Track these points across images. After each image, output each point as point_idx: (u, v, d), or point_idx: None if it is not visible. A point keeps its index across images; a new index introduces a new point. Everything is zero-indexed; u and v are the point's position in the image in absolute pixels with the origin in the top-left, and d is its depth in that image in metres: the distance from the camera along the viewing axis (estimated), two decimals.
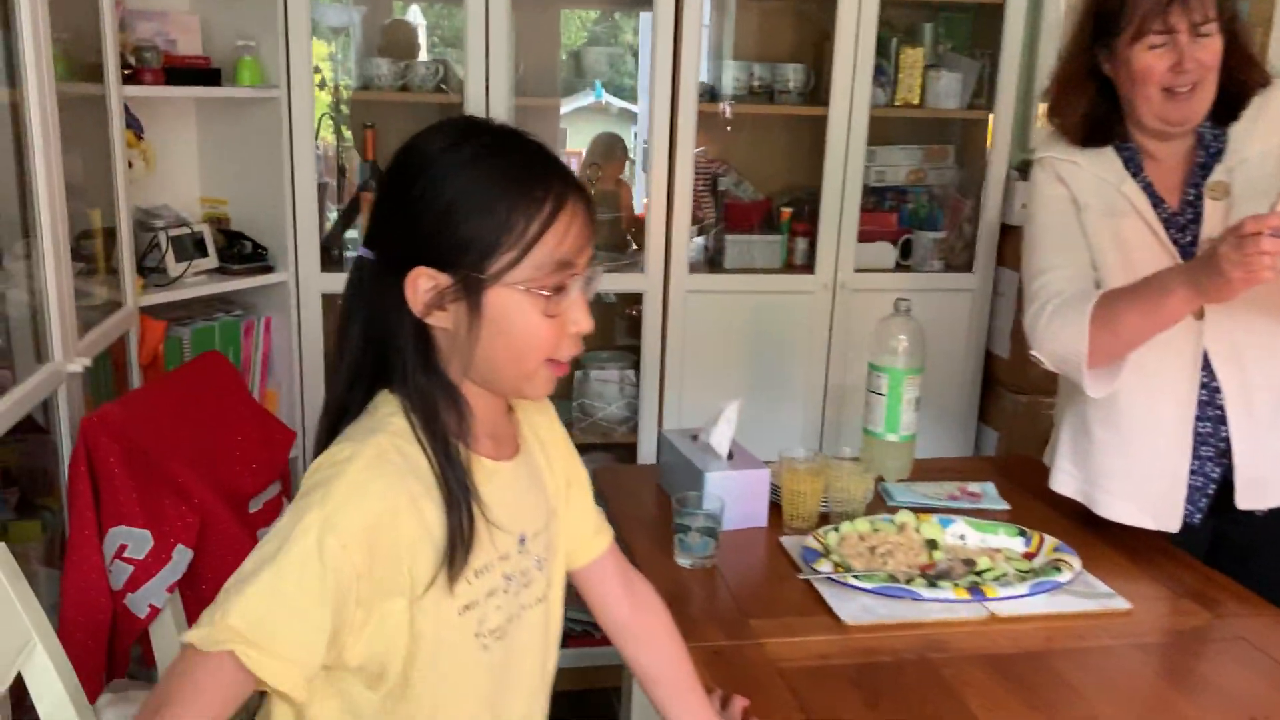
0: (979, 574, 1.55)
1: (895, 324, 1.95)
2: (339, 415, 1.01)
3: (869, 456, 1.95)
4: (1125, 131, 1.69)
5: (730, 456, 1.77)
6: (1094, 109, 1.69)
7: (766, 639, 1.38)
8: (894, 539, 1.62)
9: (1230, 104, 1.62)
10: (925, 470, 2.01)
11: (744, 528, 1.71)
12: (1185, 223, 1.65)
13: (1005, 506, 1.87)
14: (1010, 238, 2.77)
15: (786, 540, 1.67)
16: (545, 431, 1.17)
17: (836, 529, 1.64)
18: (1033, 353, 1.68)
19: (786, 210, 2.87)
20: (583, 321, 0.99)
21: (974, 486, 1.94)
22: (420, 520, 0.94)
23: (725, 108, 2.78)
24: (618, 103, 3.03)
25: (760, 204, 2.94)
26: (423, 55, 2.83)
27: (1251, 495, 1.65)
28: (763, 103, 2.82)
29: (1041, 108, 3.01)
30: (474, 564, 0.98)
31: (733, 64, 2.82)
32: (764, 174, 3.01)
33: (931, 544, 1.63)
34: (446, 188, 0.94)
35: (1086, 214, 1.68)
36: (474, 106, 2.50)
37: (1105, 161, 1.69)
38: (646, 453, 2.73)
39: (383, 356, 0.99)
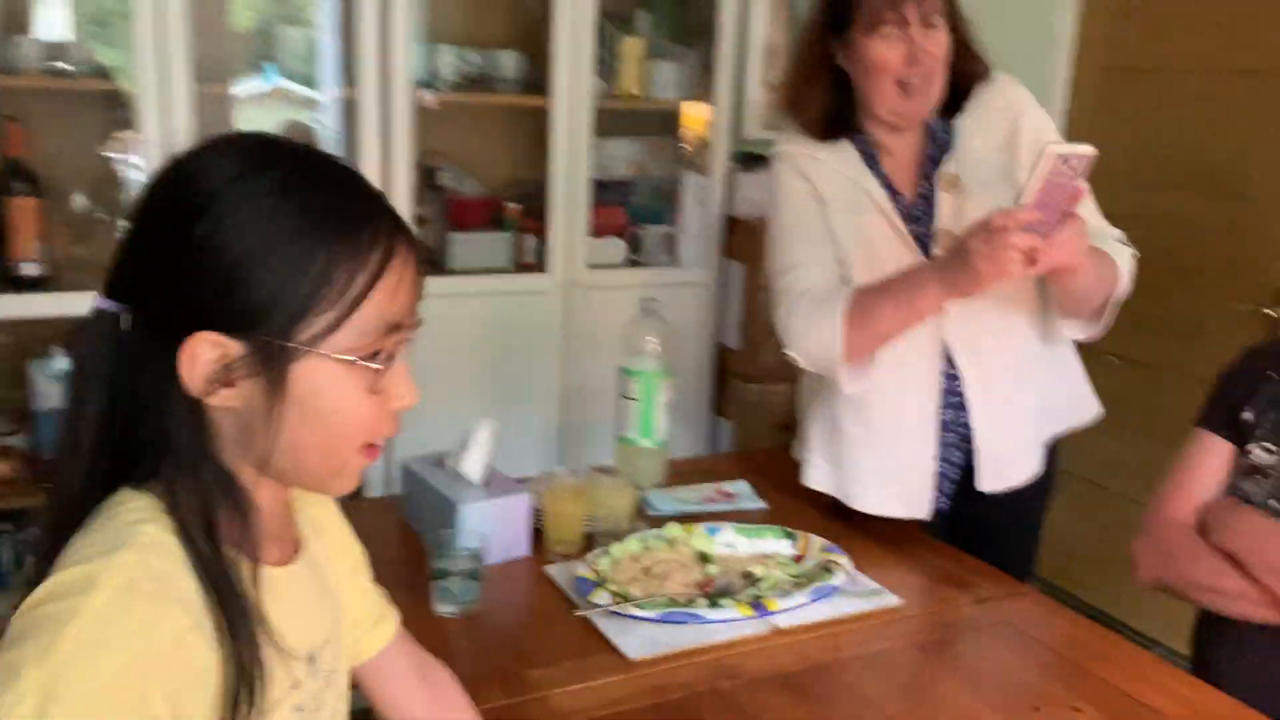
0: (757, 584, 1.50)
1: (645, 325, 1.86)
2: (67, 523, 0.75)
3: (625, 465, 1.86)
4: (860, 125, 1.69)
5: (486, 482, 1.61)
6: (831, 102, 1.68)
7: (550, 690, 1.25)
8: (667, 556, 1.53)
9: (955, 96, 1.66)
10: (678, 473, 1.95)
11: (504, 560, 1.57)
12: (921, 215, 1.67)
13: (762, 505, 1.84)
14: (737, 230, 2.79)
15: (553, 570, 1.54)
16: (319, 512, 0.96)
17: (607, 552, 1.53)
18: (787, 352, 1.65)
19: (513, 206, 2.73)
20: (408, 395, 0.80)
21: (729, 486, 1.91)
22: (188, 667, 0.71)
23: (429, 96, 2.57)
24: (300, 89, 2.74)
25: (485, 200, 2.78)
26: (70, 34, 2.42)
27: (992, 478, 1.70)
28: (480, 92, 2.66)
29: (755, 97, 3.06)
30: (260, 704, 0.75)
31: (446, 50, 2.64)
32: (487, 168, 2.85)
33: (703, 557, 1.56)
34: (243, 231, 0.72)
35: (830, 209, 1.67)
36: (150, 98, 2.17)
37: (844, 156, 1.68)
38: (381, 481, 2.51)
39: (134, 443, 0.76)
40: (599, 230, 2.74)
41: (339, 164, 0.79)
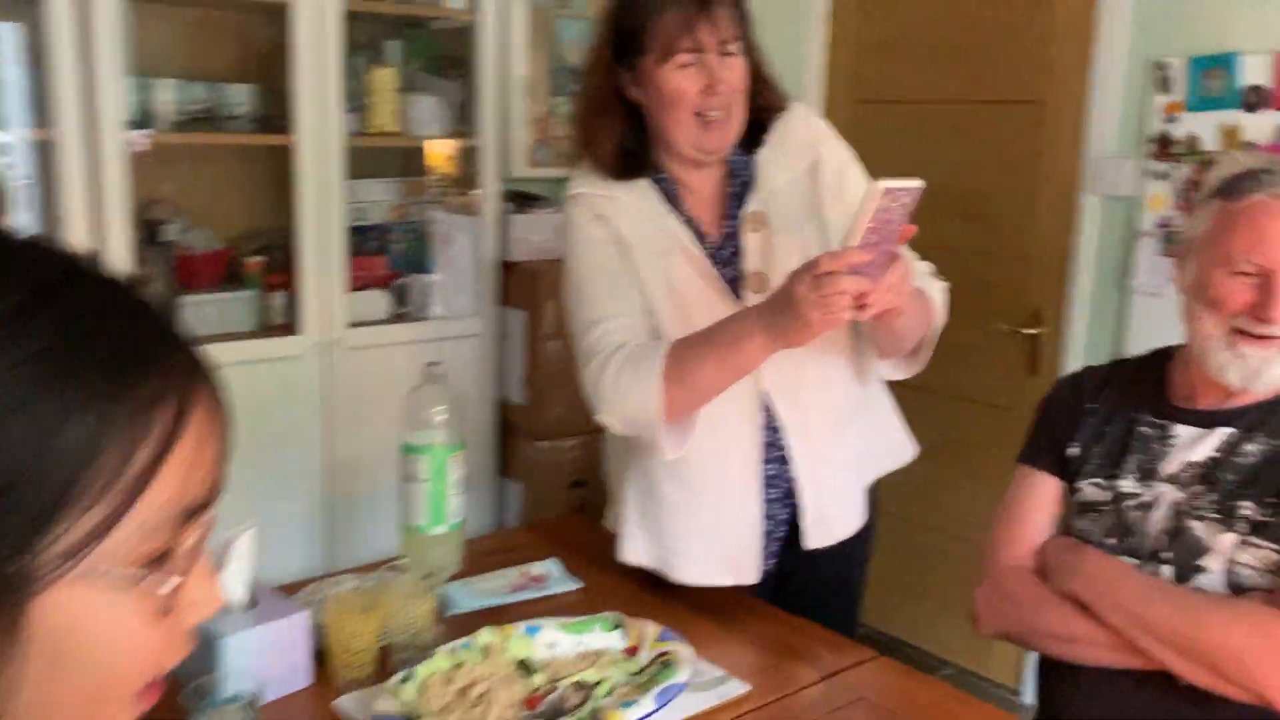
0: (592, 693, 1.29)
1: (429, 394, 1.62)
2: None
3: (417, 558, 1.61)
4: (658, 161, 1.54)
5: (252, 603, 1.32)
6: (625, 138, 1.52)
7: None
8: (483, 671, 1.30)
9: (754, 129, 1.54)
10: (475, 555, 1.71)
11: (280, 696, 1.28)
12: (728, 256, 1.55)
13: (578, 584, 1.65)
14: (513, 275, 2.59)
15: (346, 704, 1.27)
16: None
17: (411, 674, 1.28)
18: (600, 417, 1.47)
19: (255, 260, 2.40)
20: (210, 601, 0.54)
21: (537, 568, 1.70)
22: None
23: (140, 136, 2.20)
24: None
25: (220, 254, 2.44)
26: None
27: (819, 535, 1.59)
28: (208, 130, 2.33)
29: (521, 133, 2.88)
30: None
31: (164, 84, 2.29)
32: (221, 218, 2.50)
33: (525, 665, 1.33)
34: None
35: (634, 254, 1.51)
36: None
37: (644, 195, 1.53)
38: None
39: None
40: (359, 283, 2.45)
41: (109, 283, 0.51)
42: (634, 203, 1.52)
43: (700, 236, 1.53)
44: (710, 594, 1.58)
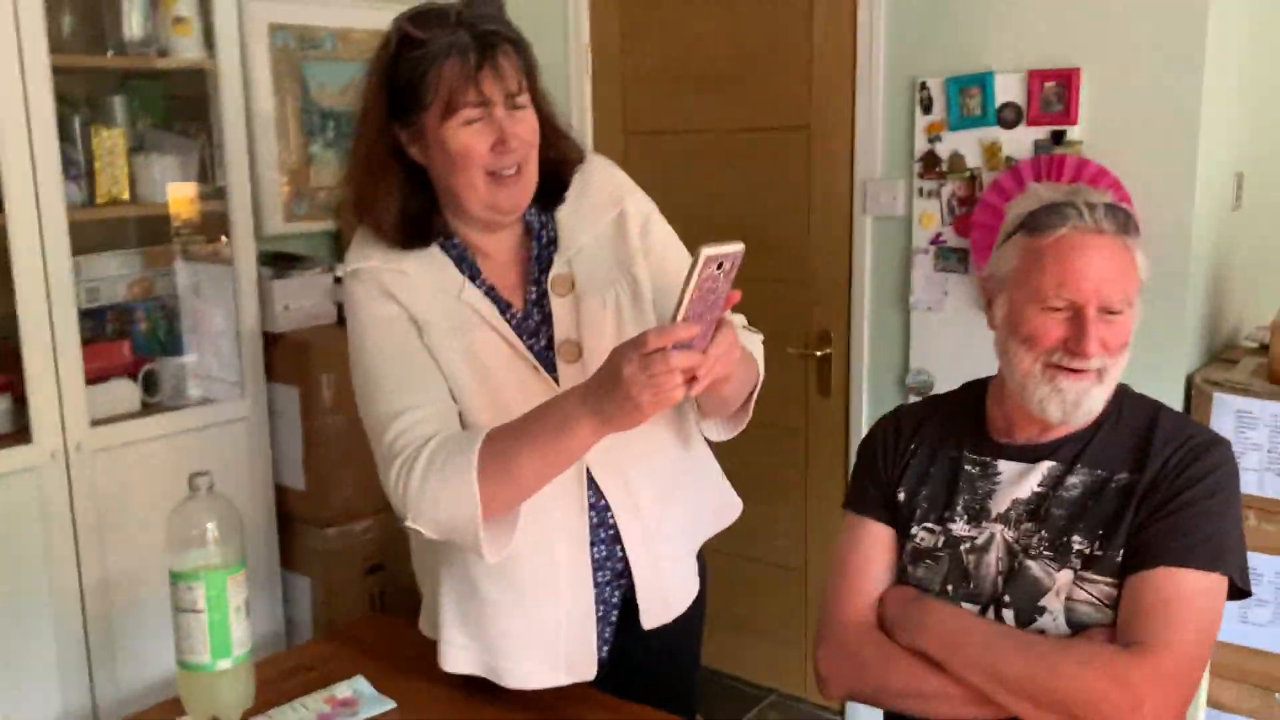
0: None
1: (197, 509, 1.39)
2: None
3: (198, 700, 1.39)
4: (448, 226, 1.39)
5: None
6: (408, 202, 1.37)
7: None
8: None
9: (550, 185, 1.43)
10: (270, 683, 1.50)
11: None
12: (536, 326, 1.42)
13: (389, 705, 1.47)
14: (279, 348, 2.35)
15: None
16: None
17: None
18: (411, 524, 1.30)
19: None
20: None
21: (344, 689, 1.52)
22: None
23: None
24: None
25: None
26: None
27: (656, 614, 1.50)
28: None
29: (273, 186, 2.64)
30: None
31: None
32: None
33: None
34: None
35: (431, 333, 1.36)
36: None
37: (436, 265, 1.38)
38: None
39: None
40: (98, 374, 2.15)
41: None
42: (425, 274, 1.37)
43: (503, 306, 1.40)
44: (544, 693, 1.44)
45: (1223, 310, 2.52)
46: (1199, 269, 2.30)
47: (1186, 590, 1.22)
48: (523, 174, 1.35)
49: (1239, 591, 1.26)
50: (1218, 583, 1.23)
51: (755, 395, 1.45)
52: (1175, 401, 2.25)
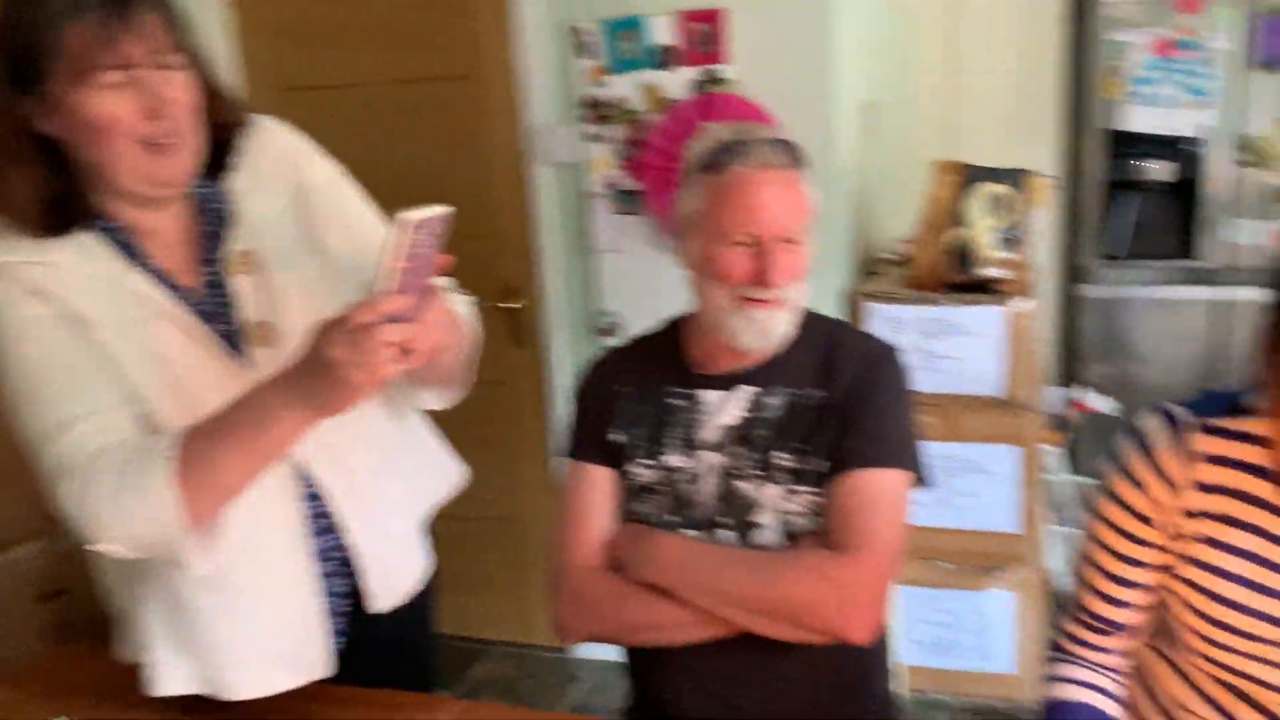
0: None
1: None
2: None
3: None
4: (100, 207, 1.24)
5: None
6: (47, 184, 1.20)
7: None
8: None
9: (215, 153, 1.30)
10: None
11: None
12: (217, 308, 1.30)
13: None
14: None
15: None
16: None
17: None
18: (99, 546, 1.17)
19: None
20: None
21: None
22: None
23: None
24: None
25: None
26: None
27: (386, 596, 1.44)
28: None
29: None
30: None
31: None
32: None
33: None
34: None
35: (97, 331, 1.20)
36: None
37: (91, 253, 1.23)
38: None
39: None
40: None
41: None
42: (80, 265, 1.20)
43: (176, 290, 1.26)
44: (274, 698, 1.36)
45: (865, 228, 2.77)
46: (841, 191, 2.50)
47: (879, 490, 1.34)
48: (183, 141, 1.21)
49: (920, 482, 1.40)
50: (905, 479, 1.37)
51: (475, 358, 1.42)
52: (835, 313, 2.46)
